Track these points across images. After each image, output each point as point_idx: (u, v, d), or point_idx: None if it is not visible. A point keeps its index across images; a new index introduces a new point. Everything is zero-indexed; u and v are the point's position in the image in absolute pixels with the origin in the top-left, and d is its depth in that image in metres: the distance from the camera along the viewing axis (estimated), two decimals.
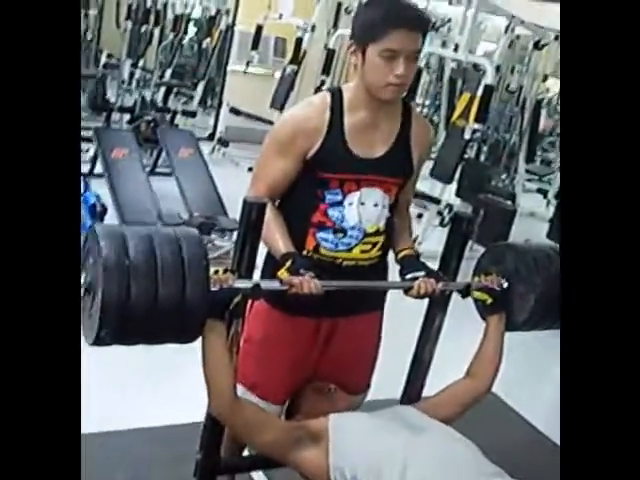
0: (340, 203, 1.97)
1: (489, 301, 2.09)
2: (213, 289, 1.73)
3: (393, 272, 2.15)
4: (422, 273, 2.00)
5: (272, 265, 1.94)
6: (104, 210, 4.43)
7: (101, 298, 1.58)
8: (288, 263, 1.85)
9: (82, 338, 1.62)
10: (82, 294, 1.69)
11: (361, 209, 1.98)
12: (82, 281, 1.70)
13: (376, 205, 2.00)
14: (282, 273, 1.84)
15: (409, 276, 2.01)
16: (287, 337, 2.04)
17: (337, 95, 1.98)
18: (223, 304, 1.77)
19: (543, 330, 2.17)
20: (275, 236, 1.94)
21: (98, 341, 1.64)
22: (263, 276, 2.00)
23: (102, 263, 1.59)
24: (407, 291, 1.99)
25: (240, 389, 1.98)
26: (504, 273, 2.11)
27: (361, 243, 2.01)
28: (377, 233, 2.03)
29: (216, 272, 1.75)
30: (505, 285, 2.10)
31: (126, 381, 3.10)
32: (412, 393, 2.24)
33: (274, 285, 1.85)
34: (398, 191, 2.06)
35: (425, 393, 2.25)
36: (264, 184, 1.98)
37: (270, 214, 1.91)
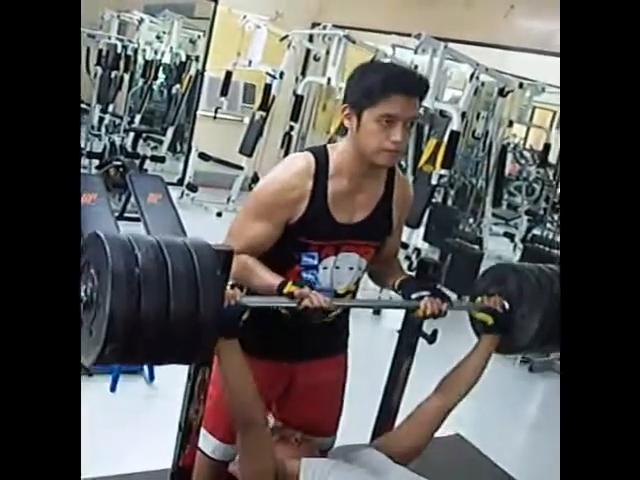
0: (315, 267, 1.97)
1: (490, 322, 2.08)
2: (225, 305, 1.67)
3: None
4: (427, 292, 1.96)
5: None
6: None
7: (108, 311, 1.44)
8: (290, 282, 1.83)
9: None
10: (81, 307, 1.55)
11: (335, 272, 1.99)
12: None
13: (351, 268, 2.01)
14: (290, 287, 1.81)
15: (414, 295, 1.97)
16: None
17: (322, 159, 1.93)
18: (235, 321, 1.73)
19: (544, 354, 2.12)
20: (262, 273, 1.89)
21: (100, 360, 1.50)
22: None
23: (110, 273, 1.46)
24: (412, 311, 1.97)
25: (202, 432, 1.98)
26: (506, 294, 2.09)
27: None
28: (347, 293, 2.05)
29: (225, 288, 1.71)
30: (507, 307, 2.08)
31: (97, 426, 3.05)
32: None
33: (283, 300, 1.81)
34: (375, 252, 2.07)
35: None
36: (240, 246, 1.91)
37: (250, 262, 1.90)
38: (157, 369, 3.62)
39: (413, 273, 2.22)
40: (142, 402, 3.56)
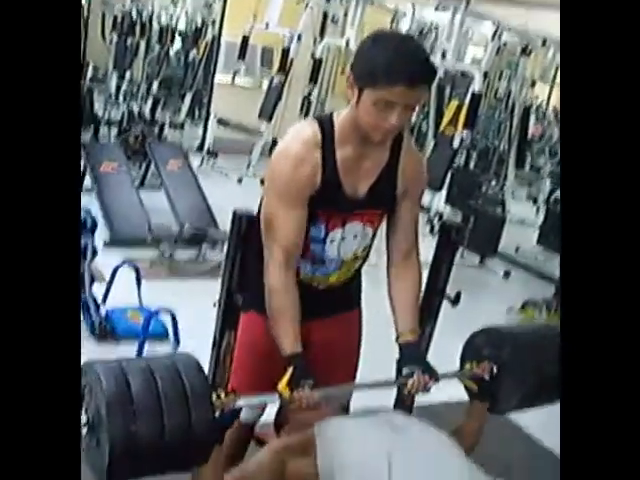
0: (322, 240, 1.95)
1: (475, 389, 2.07)
2: (217, 415, 1.67)
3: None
4: (418, 369, 1.93)
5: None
6: (95, 225, 4.40)
7: (108, 442, 1.51)
8: (289, 373, 1.79)
9: None
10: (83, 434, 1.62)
11: (341, 244, 1.97)
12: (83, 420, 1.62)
13: (355, 237, 1.99)
14: (283, 387, 1.78)
15: (405, 370, 1.95)
16: (263, 336, 1.99)
17: (328, 127, 1.90)
18: (226, 427, 1.75)
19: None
20: (286, 327, 1.86)
21: None
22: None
23: (105, 404, 1.53)
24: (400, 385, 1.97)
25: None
26: (495, 359, 2.05)
27: (338, 270, 2.01)
28: (355, 259, 2.04)
29: (218, 397, 1.69)
30: (495, 372, 2.04)
31: None
32: (405, 400, 2.23)
33: (274, 399, 1.80)
34: (380, 220, 2.04)
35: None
36: (285, 248, 1.87)
37: (289, 299, 1.88)
38: (182, 334, 3.62)
39: (435, 237, 2.19)
40: None
